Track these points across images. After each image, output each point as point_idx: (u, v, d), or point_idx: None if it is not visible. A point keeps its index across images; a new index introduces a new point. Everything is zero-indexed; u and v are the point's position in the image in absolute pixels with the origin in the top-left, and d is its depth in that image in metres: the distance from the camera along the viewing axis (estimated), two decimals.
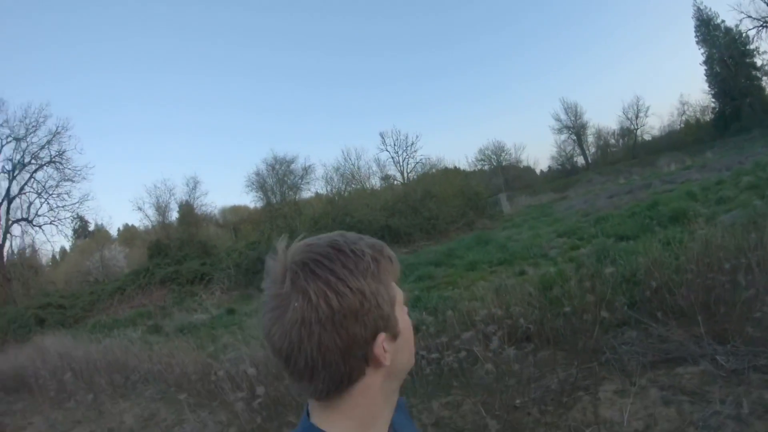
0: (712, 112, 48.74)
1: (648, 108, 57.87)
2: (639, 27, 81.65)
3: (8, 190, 38.44)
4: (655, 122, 76.43)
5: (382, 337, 0.88)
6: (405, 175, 50.69)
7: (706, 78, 48.26)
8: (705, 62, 47.74)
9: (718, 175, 19.31)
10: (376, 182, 47.65)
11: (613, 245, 9.82)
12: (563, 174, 57.99)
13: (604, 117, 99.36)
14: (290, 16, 78.39)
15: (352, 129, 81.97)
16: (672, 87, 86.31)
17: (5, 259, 37.42)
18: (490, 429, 4.23)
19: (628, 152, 56.00)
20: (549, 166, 63.98)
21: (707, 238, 5.98)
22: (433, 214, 28.42)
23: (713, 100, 48.18)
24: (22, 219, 39.34)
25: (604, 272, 6.09)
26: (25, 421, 9.46)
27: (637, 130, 58.47)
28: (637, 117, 58.09)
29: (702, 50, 47.77)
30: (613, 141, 60.46)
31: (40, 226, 39.87)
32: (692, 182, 19.52)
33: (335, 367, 0.85)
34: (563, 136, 61.23)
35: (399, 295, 0.95)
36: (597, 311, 5.11)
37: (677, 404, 4.04)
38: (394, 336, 0.92)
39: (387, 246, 0.97)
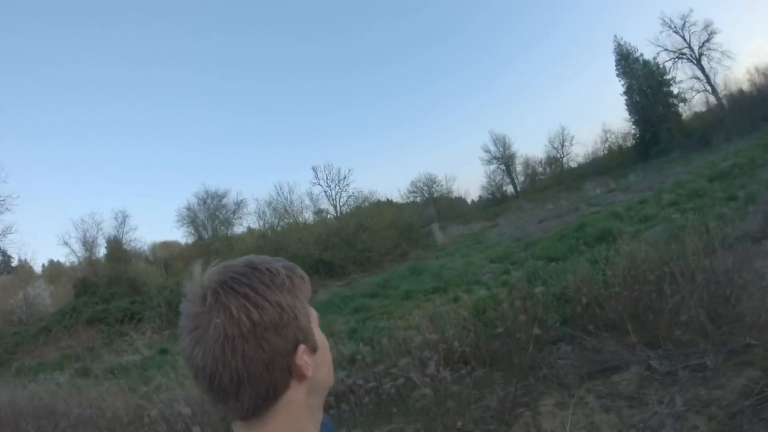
0: (633, 138, 50.82)
1: (573, 137, 59.93)
2: (563, 63, 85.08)
3: None
4: (580, 150, 78.27)
5: (302, 348, 0.90)
6: (338, 208, 50.45)
7: (626, 107, 50.46)
8: (625, 92, 49.96)
9: (641, 195, 20.05)
10: (309, 216, 47.27)
11: (543, 267, 10.06)
12: (494, 202, 59.08)
13: (531, 147, 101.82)
14: (218, 42, 77.42)
15: (285, 163, 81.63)
16: (595, 117, 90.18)
17: None
18: None
19: (556, 179, 57.36)
20: (480, 196, 65.08)
21: (632, 253, 6.23)
22: (367, 247, 28.53)
23: (634, 126, 50.26)
24: None
25: (534, 291, 6.25)
26: None
27: (563, 158, 60.15)
28: (562, 146, 59.91)
29: (622, 82, 50.00)
30: (540, 169, 61.99)
31: None
32: (617, 204, 20.13)
33: (260, 380, 0.86)
34: (493, 167, 62.50)
35: (313, 314, 0.98)
36: (530, 329, 5.24)
37: (617, 410, 4.16)
38: (313, 349, 0.94)
39: (299, 267, 0.99)
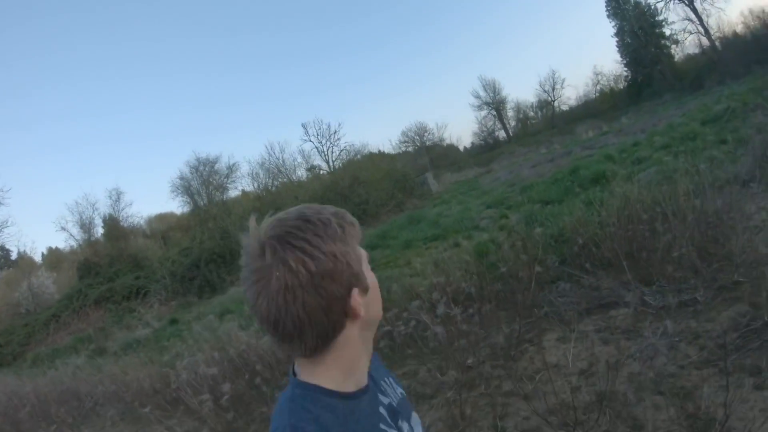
0: (625, 80, 50.14)
1: (564, 80, 59.39)
2: (552, 4, 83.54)
3: None
4: (572, 93, 77.88)
5: (355, 291, 1.00)
6: (331, 163, 50.18)
7: (618, 49, 49.50)
8: (616, 34, 48.96)
9: (634, 137, 20.02)
10: (302, 174, 47.11)
11: (540, 210, 10.27)
12: (486, 148, 58.70)
13: (522, 91, 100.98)
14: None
15: (274, 122, 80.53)
16: (586, 59, 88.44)
17: None
18: (446, 389, 4.53)
19: (548, 123, 57.04)
20: (472, 142, 64.68)
21: (625, 194, 6.47)
22: (363, 200, 28.46)
23: (625, 69, 49.51)
24: None
25: (534, 233, 6.47)
26: None
27: (554, 101, 59.44)
28: (553, 89, 59.14)
29: (613, 23, 48.88)
30: (532, 113, 61.38)
31: None
32: (610, 146, 20.09)
33: (320, 324, 0.96)
34: (483, 113, 61.79)
35: (364, 254, 1.08)
36: (531, 268, 5.50)
37: (615, 342, 4.45)
38: (365, 290, 1.03)
39: (348, 213, 1.09)
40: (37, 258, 49.14)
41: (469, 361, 4.74)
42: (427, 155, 56.66)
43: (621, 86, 51.60)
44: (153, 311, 22.80)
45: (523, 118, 61.45)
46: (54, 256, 48.76)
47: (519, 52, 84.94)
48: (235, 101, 78.75)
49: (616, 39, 49.75)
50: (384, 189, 30.08)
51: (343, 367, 1.04)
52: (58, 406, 9.07)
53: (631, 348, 4.26)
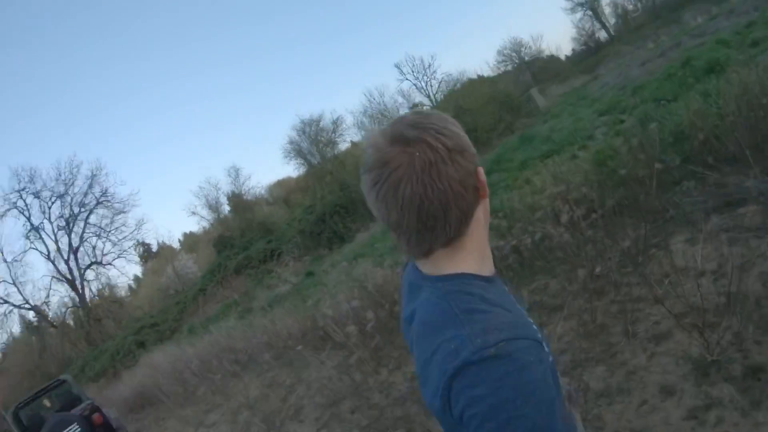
0: None
1: None
2: None
3: (70, 243, 40.77)
4: None
5: (480, 168, 1.03)
6: (432, 97, 49.56)
7: None
8: None
9: (747, 17, 18.46)
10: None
11: (655, 109, 9.84)
12: (589, 53, 55.29)
13: None
14: None
15: (367, 70, 79.93)
16: None
17: (90, 303, 39.86)
18: (576, 298, 4.61)
19: (650, 14, 51.79)
20: (573, 49, 60.97)
21: (742, 80, 6.06)
22: (471, 128, 27.86)
23: None
24: (92, 263, 41.74)
25: (649, 131, 6.24)
26: (159, 427, 10.43)
27: None
28: None
29: None
30: (631, 6, 56.60)
31: (110, 263, 42.55)
32: (721, 31, 18.58)
33: (461, 199, 0.98)
34: (578, 15, 57.57)
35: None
36: (651, 167, 5.34)
37: (744, 241, 4.31)
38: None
39: None
40: (176, 244, 53.05)
41: (597, 269, 4.76)
42: (528, 71, 54.50)
43: None
44: (289, 269, 23.88)
45: (622, 13, 56.96)
46: (190, 240, 52.37)
47: None
48: (329, 59, 78.94)
49: None
50: (490, 113, 29.49)
51: (480, 251, 1.08)
52: (219, 362, 10.03)
53: (761, 246, 4.12)
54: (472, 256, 1.05)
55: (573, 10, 57.42)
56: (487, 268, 1.08)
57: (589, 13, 57.09)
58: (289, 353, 8.31)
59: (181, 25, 77.06)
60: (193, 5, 75.83)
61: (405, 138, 0.97)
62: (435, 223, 0.97)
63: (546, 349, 0.94)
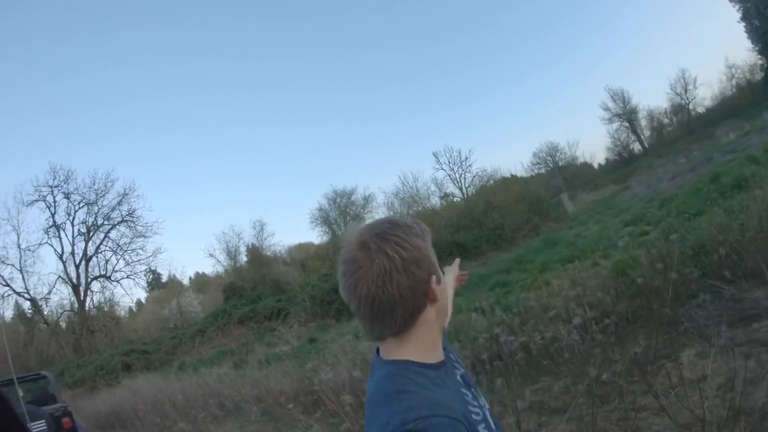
0: (761, 69, 45.78)
1: (696, 79, 54.23)
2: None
3: (85, 250, 40.94)
4: (706, 92, 71.71)
5: (434, 277, 1.23)
6: (464, 190, 49.91)
7: (747, 35, 45.13)
8: (742, 18, 44.37)
9: None
10: (436, 201, 47.47)
11: (680, 223, 9.82)
12: (622, 163, 55.89)
13: (653, 97, 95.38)
14: (323, 54, 79.52)
15: (406, 153, 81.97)
16: (715, 52, 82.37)
17: (87, 313, 39.78)
18: (578, 402, 4.50)
19: (684, 129, 52.89)
20: (606, 159, 61.85)
21: (765, 196, 6.09)
22: (498, 225, 28.23)
23: (759, 56, 44.95)
24: (101, 276, 41.56)
25: (670, 241, 6.23)
26: None
27: (688, 104, 54.94)
28: (686, 90, 54.63)
29: (736, 6, 44.98)
30: (666, 120, 57.39)
31: (117, 281, 42.09)
32: (753, 147, 18.73)
33: (408, 302, 1.18)
34: (615, 125, 58.23)
35: (434, 256, 1.31)
36: (668, 277, 5.30)
37: (756, 356, 4.24)
38: (439, 280, 1.26)
39: (422, 221, 1.34)
40: (185, 281, 53.00)
41: (604, 376, 4.68)
42: (561, 176, 55.13)
43: (758, 77, 47.01)
44: (293, 331, 23.59)
45: (657, 126, 57.68)
46: (200, 280, 52.55)
47: (643, 55, 79.71)
48: (372, 137, 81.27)
49: (743, 24, 45.08)
50: (519, 213, 29.69)
51: (425, 343, 1.26)
52: (204, 402, 10.02)
53: None
54: (418, 347, 1.25)
55: (610, 121, 58.34)
56: (433, 358, 1.27)
57: (626, 124, 57.90)
58: (278, 411, 8.21)
59: (249, 74, 79.59)
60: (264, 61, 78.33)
61: (369, 246, 1.19)
62: (384, 318, 1.19)
63: (464, 422, 1.11)
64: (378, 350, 1.33)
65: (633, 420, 4.10)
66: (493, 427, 1.28)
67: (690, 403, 3.67)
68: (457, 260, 2.07)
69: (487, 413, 1.31)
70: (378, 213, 46.31)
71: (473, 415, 1.21)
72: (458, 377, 1.35)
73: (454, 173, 51.31)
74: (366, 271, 1.17)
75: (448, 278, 1.79)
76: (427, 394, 1.13)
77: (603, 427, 4.25)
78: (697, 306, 5.50)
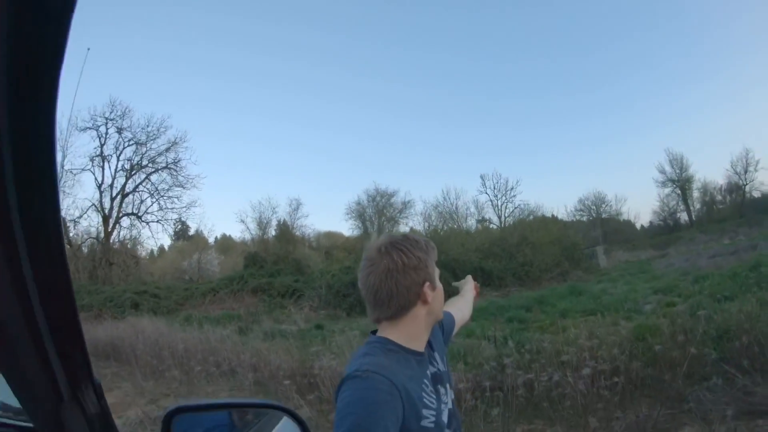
0: None
1: (758, 162, 51.75)
2: (749, 71, 75.28)
3: (124, 186, 42.09)
4: (766, 177, 67.71)
5: (427, 284, 1.61)
6: (502, 219, 49.50)
7: None
8: None
9: None
10: (472, 224, 47.35)
11: (709, 303, 9.70)
12: (665, 230, 54.93)
13: (711, 170, 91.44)
14: (407, 50, 79.28)
15: (454, 166, 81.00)
16: None
17: (111, 245, 40.80)
18: None
19: (736, 210, 51.60)
20: (650, 221, 60.72)
21: None
22: (528, 261, 28.11)
23: None
24: (133, 213, 42.69)
25: (697, 316, 6.18)
26: (114, 385, 10.30)
27: (745, 186, 53.27)
28: (746, 171, 52.86)
29: None
30: (719, 197, 55.74)
31: (147, 223, 43.17)
32: None
33: (402, 297, 1.56)
34: (667, 190, 57.03)
35: (437, 271, 1.69)
36: (686, 351, 5.27)
37: None
38: (433, 288, 1.63)
39: (432, 242, 1.73)
40: (211, 240, 53.57)
41: None
42: (601, 228, 54.23)
43: None
44: (302, 313, 23.70)
45: (709, 201, 56.06)
46: (225, 242, 53.18)
47: (713, 123, 75.91)
48: (425, 143, 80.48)
49: None
50: (551, 254, 29.72)
51: (409, 334, 1.62)
52: (203, 357, 10.29)
53: None
54: (401, 333, 1.61)
55: (663, 184, 56.94)
56: (413, 345, 1.62)
57: (678, 191, 56.69)
58: (272, 384, 8.33)
59: (332, 50, 79.21)
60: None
61: (381, 250, 1.60)
62: (382, 305, 1.58)
63: (399, 388, 1.41)
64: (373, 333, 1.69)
65: None
66: (444, 420, 1.59)
67: None
68: (469, 276, 2.57)
69: (445, 409, 1.63)
70: (414, 221, 46.46)
71: (424, 399, 1.53)
72: (428, 371, 1.65)
73: (497, 200, 50.87)
74: (375, 267, 1.58)
75: (467, 287, 2.42)
76: (382, 361, 1.48)
77: None
78: (707, 388, 5.45)
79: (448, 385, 1.74)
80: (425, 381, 1.60)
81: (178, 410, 1.26)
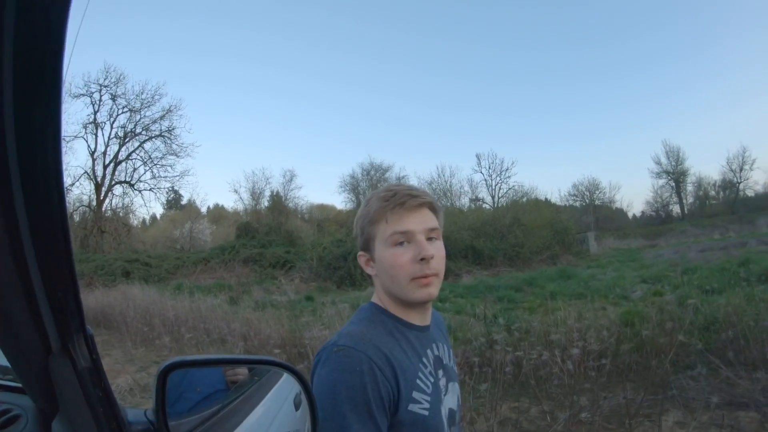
0: None
1: (754, 161, 53.69)
2: (755, 74, 75.80)
3: (117, 153, 42.18)
4: (760, 177, 69.93)
5: (360, 254, 1.49)
6: (496, 199, 50.04)
7: None
8: None
9: None
10: (465, 202, 47.71)
11: (698, 294, 9.76)
12: (656, 221, 55.54)
13: (707, 165, 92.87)
14: (410, 34, 78.98)
15: (450, 145, 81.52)
16: None
17: (103, 213, 40.78)
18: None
19: (728, 207, 52.80)
20: (642, 211, 61.61)
21: None
22: (519, 242, 28.18)
23: None
24: (125, 181, 42.73)
25: (686, 305, 6.24)
26: (104, 352, 10.34)
27: (739, 183, 54.72)
28: (741, 169, 54.37)
29: None
30: (713, 193, 57.21)
31: (140, 191, 43.24)
32: None
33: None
34: (661, 181, 58.22)
35: (387, 232, 1.39)
36: (672, 339, 5.32)
37: None
38: (370, 259, 1.46)
39: (418, 189, 1.47)
40: (203, 209, 53.68)
41: (583, 415, 4.72)
42: (593, 215, 54.72)
43: None
44: (293, 285, 23.80)
45: (702, 195, 56.90)
46: (218, 212, 53.33)
47: (713, 119, 77.39)
48: (421, 120, 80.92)
49: None
50: (543, 237, 29.86)
51: (386, 295, 1.43)
52: (193, 325, 10.44)
53: None
54: (381, 295, 1.45)
55: (658, 175, 57.68)
56: (411, 318, 1.42)
57: (672, 184, 57.06)
58: (262, 353, 8.36)
59: (329, 29, 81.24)
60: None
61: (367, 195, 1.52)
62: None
63: (378, 363, 1.24)
64: None
65: None
66: (442, 413, 1.36)
67: None
68: None
69: (443, 393, 1.41)
70: None
71: (417, 381, 1.31)
72: (429, 352, 1.44)
73: (491, 180, 51.23)
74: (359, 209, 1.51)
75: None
76: (364, 331, 1.33)
77: None
78: (691, 377, 5.55)
79: (456, 384, 1.52)
80: (424, 360, 1.38)
81: (175, 365, 1.22)
